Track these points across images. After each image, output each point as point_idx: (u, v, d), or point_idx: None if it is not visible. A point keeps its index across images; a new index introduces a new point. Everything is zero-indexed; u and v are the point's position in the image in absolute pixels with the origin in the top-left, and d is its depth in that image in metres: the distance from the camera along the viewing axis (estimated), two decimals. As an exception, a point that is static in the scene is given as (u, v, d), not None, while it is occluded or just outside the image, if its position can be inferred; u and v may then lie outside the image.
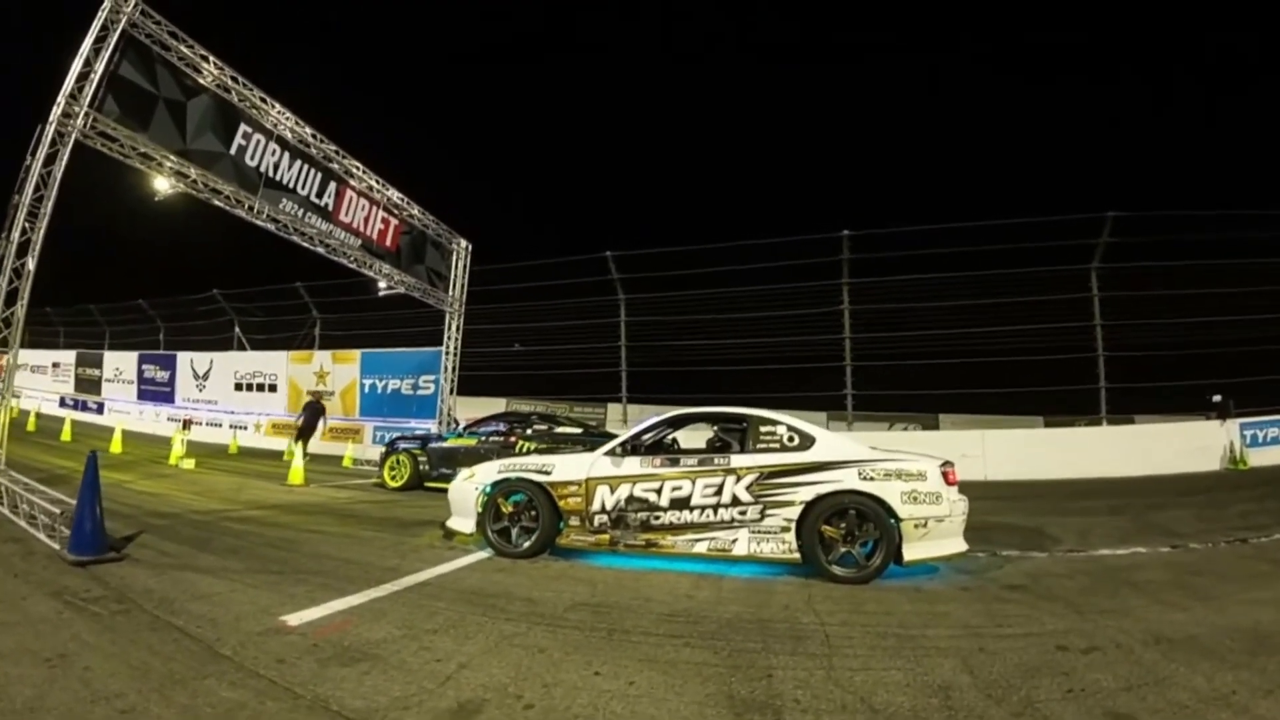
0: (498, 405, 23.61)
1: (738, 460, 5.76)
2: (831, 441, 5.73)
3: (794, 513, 5.47)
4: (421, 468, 11.50)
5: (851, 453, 5.59)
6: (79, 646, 3.59)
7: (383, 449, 12.44)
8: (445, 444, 11.70)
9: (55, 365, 31.53)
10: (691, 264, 17.64)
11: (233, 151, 10.62)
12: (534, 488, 6.14)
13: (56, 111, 8.45)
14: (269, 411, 22.37)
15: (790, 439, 5.76)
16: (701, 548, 5.70)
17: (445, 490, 10.90)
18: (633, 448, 6.20)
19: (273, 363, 23.00)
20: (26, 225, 8.47)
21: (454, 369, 16.82)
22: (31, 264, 8.67)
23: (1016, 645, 3.88)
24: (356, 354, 21.25)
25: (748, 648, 3.91)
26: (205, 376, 24.52)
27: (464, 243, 16.35)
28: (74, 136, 8.52)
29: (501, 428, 11.69)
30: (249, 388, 23.35)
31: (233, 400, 23.44)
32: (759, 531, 5.57)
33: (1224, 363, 16.60)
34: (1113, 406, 17.91)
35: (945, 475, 5.42)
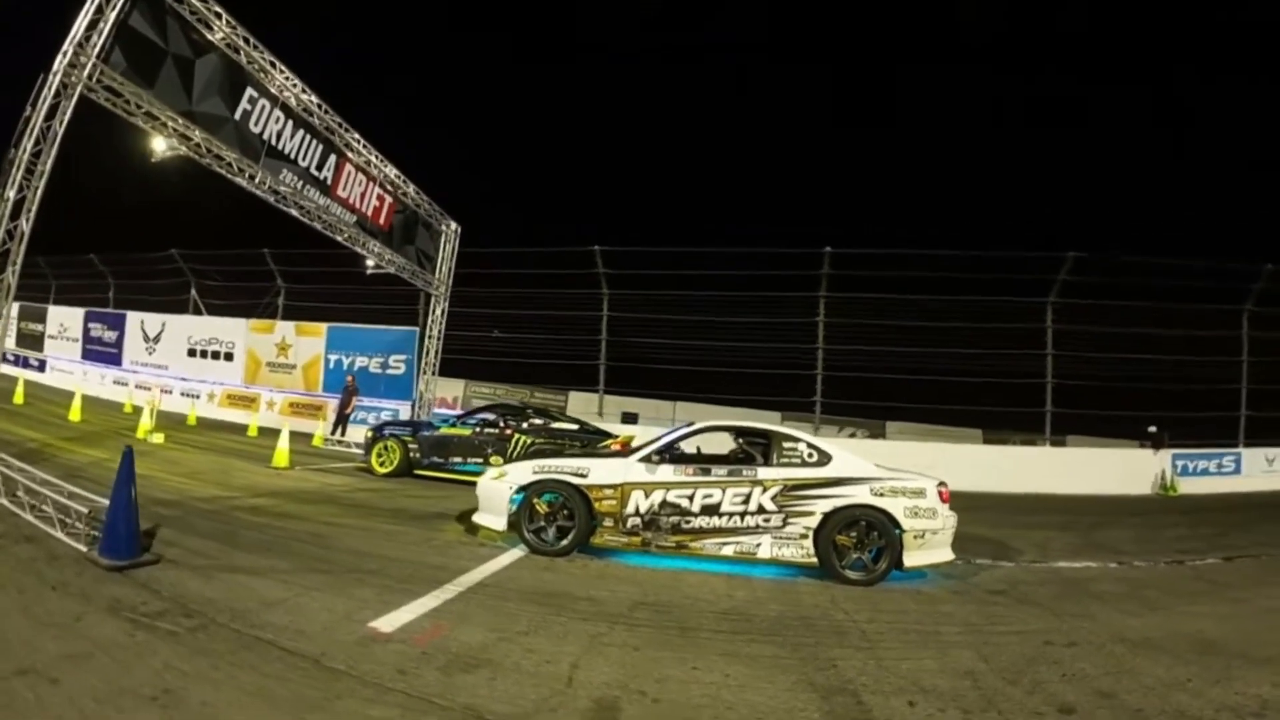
0: (457, 388, 23.29)
1: (764, 473, 6.22)
2: (846, 458, 6.27)
3: (813, 522, 6.05)
4: (412, 455, 11.15)
5: (863, 470, 6.18)
6: (178, 677, 3.21)
7: (367, 433, 11.98)
8: (438, 432, 11.33)
9: (-15, 316, 29.57)
10: (676, 265, 17.57)
11: (237, 116, 10.06)
12: (570, 489, 6.37)
13: (62, 61, 7.81)
14: (224, 381, 21.31)
15: (810, 455, 6.31)
16: (728, 551, 6.17)
17: (436, 478, 11.02)
18: (667, 456, 6.51)
19: (231, 330, 21.86)
20: (23, 182, 7.87)
21: (437, 352, 16.38)
22: (26, 226, 8.06)
23: (1013, 640, 4.54)
24: (323, 328, 20.42)
25: (804, 642, 4.37)
26: (156, 339, 23.23)
27: (454, 225, 15.90)
28: (79, 89, 7.94)
29: (493, 419, 11.38)
30: (204, 354, 22.15)
31: (185, 367, 22.20)
32: (780, 538, 6.12)
33: (1161, 398, 17.57)
34: (1052, 429, 18.74)
35: (940, 493, 6.06)
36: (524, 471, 6.59)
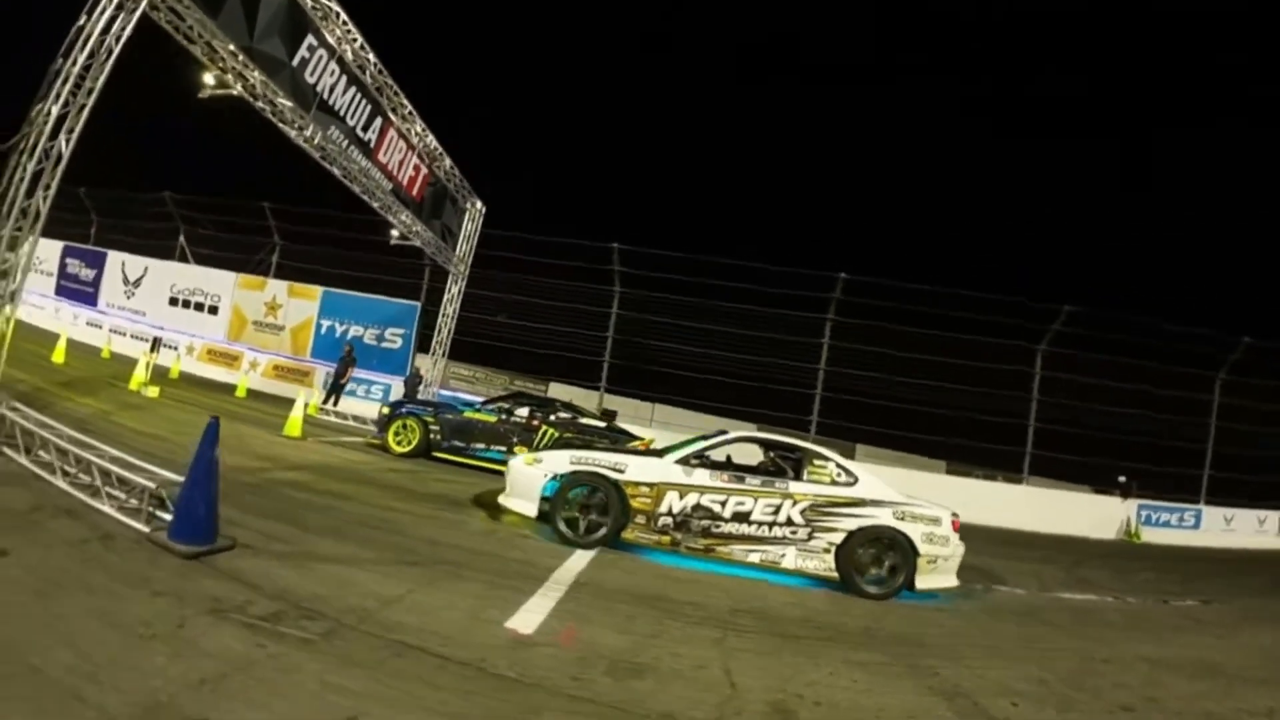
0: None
1: (795, 487, 6.33)
2: (871, 481, 6.42)
3: (837, 538, 6.19)
4: (432, 437, 10.41)
5: (887, 494, 6.33)
6: (351, 699, 2.65)
7: (383, 409, 11.20)
8: (461, 416, 10.62)
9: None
10: (691, 272, 17.14)
11: (295, 63, 9.23)
12: (608, 484, 6.30)
13: (129, -29, 7.02)
14: (205, 335, 20.00)
15: (839, 475, 6.45)
16: (754, 558, 6.25)
17: (455, 463, 10.24)
18: (703, 461, 6.55)
19: (217, 283, 20.51)
20: (68, 97, 6.98)
21: (449, 332, 15.59)
22: (65, 147, 7.16)
23: (1060, 656, 4.99)
24: (318, 291, 19.32)
25: (899, 651, 4.62)
26: (136, 284, 21.71)
27: (480, 204, 15.15)
28: (142, 5, 7.11)
29: (518, 408, 10.80)
30: (186, 305, 20.75)
31: (164, 315, 20.74)
32: (805, 550, 6.23)
33: (1131, 449, 18.00)
34: (1013, 467, 18.98)
35: (953, 523, 6.28)
36: (561, 460, 6.46)
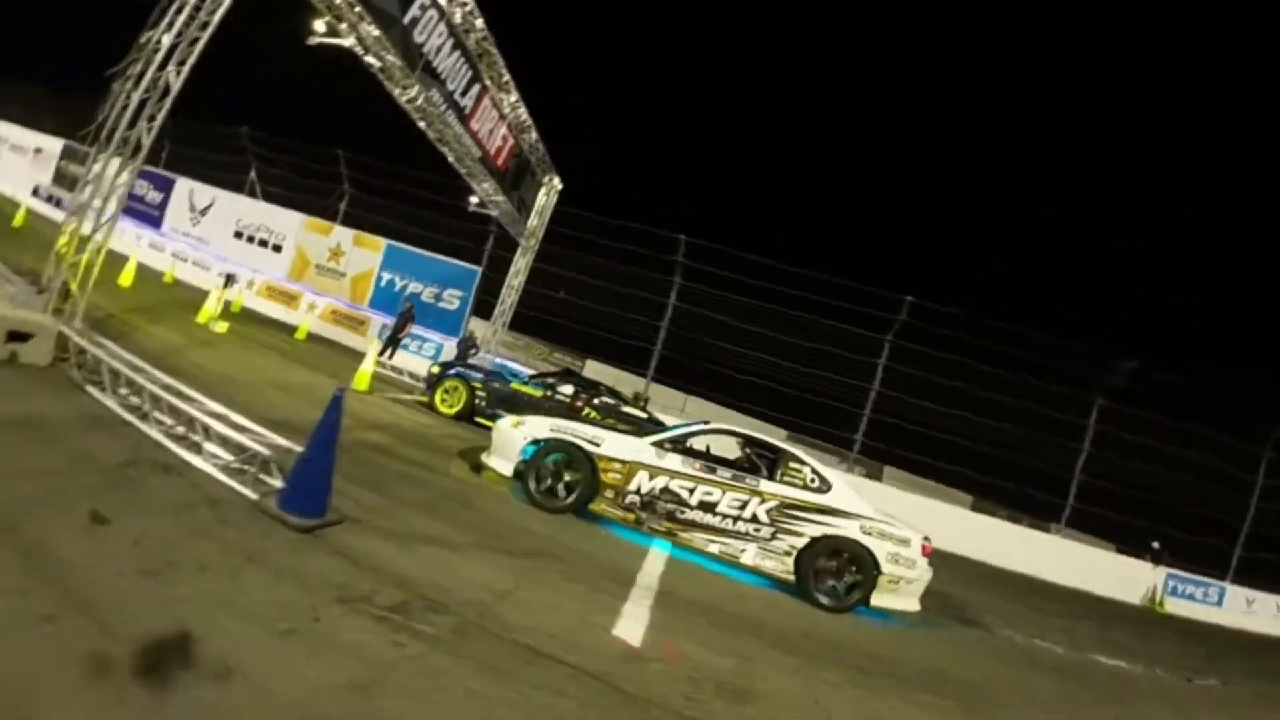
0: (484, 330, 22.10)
1: (766, 486, 6.28)
2: (844, 492, 6.32)
3: (800, 543, 6.13)
4: (477, 402, 10.38)
5: (858, 507, 6.23)
6: (493, 708, 2.58)
7: (434, 367, 11.14)
8: (509, 387, 10.57)
9: (38, 151, 27.51)
10: (754, 274, 16.67)
11: (406, 20, 9.00)
12: (581, 454, 6.39)
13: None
14: (267, 272, 20.04)
15: (812, 480, 6.34)
16: (714, 549, 6.24)
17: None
18: (678, 446, 6.59)
19: (284, 222, 20.49)
20: (182, 27, 6.80)
21: (513, 304, 15.42)
22: (175, 80, 6.99)
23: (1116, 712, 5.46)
24: (382, 243, 19.23)
25: (955, 694, 4.66)
26: (202, 212, 21.80)
27: (558, 181, 14.90)
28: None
29: (566, 387, 10.70)
30: (250, 240, 20.81)
31: (228, 247, 20.81)
32: (765, 549, 6.19)
33: (1170, 513, 17.41)
34: (1042, 514, 18.46)
35: (923, 547, 6.14)
36: (541, 427, 6.60)
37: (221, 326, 11.67)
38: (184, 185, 22.39)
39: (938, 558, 11.96)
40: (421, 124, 10.06)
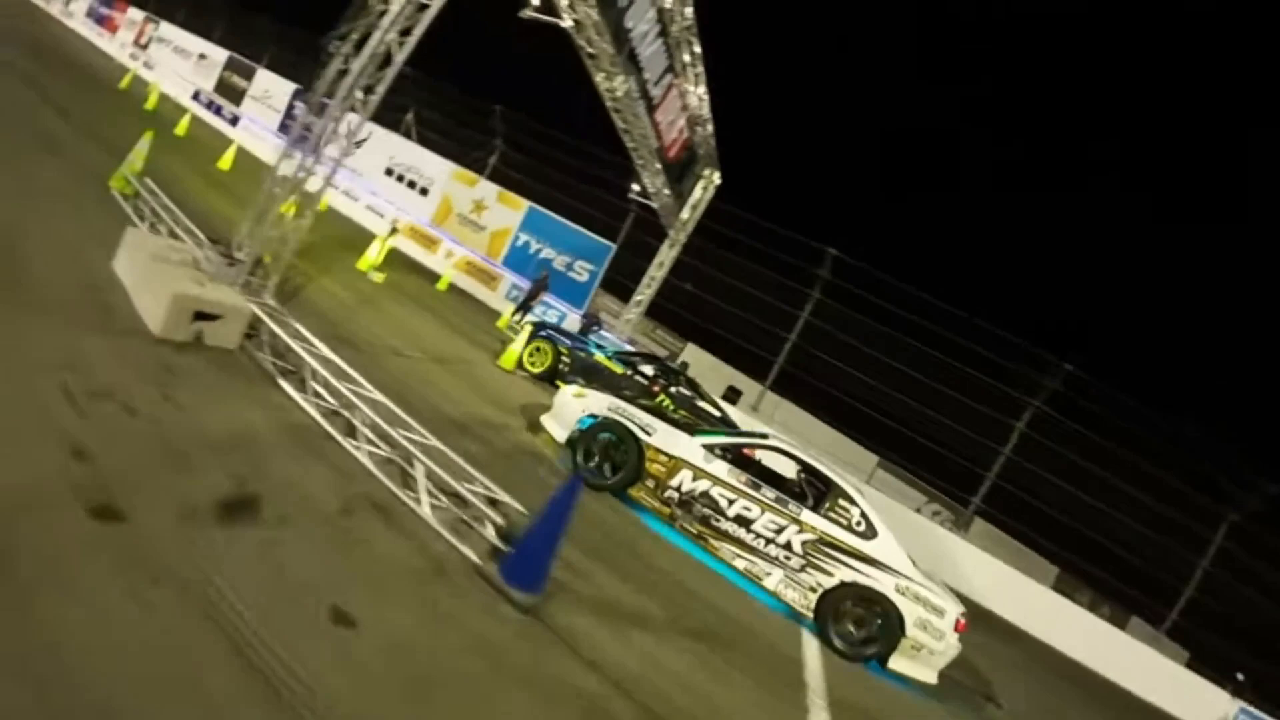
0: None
1: (808, 517, 6.07)
2: (889, 544, 5.99)
3: (828, 583, 5.92)
4: (561, 366, 10.37)
5: (899, 563, 5.89)
6: None
7: (527, 321, 11.30)
8: (593, 359, 10.48)
9: (201, 57, 28.83)
10: (899, 303, 15.67)
11: (620, 4, 8.60)
12: (632, 440, 6.38)
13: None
14: (412, 214, 20.36)
15: (858, 523, 6.06)
16: (740, 564, 6.13)
17: None
18: (729, 454, 6.43)
19: (433, 168, 20.73)
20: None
21: (652, 294, 15.13)
22: (397, 50, 6.67)
23: None
24: (524, 204, 19.21)
25: None
26: (357, 144, 22.25)
27: (718, 175, 14.38)
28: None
29: (648, 369, 10.67)
30: (399, 179, 21.19)
31: (378, 183, 21.31)
32: (791, 579, 6.01)
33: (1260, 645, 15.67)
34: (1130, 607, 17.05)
35: (957, 622, 5.77)
36: (601, 403, 6.65)
37: (379, 277, 11.82)
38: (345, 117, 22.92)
39: (997, 627, 11.12)
40: (614, 113, 9.70)
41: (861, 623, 5.82)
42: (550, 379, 10.32)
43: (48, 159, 7.54)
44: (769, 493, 6.17)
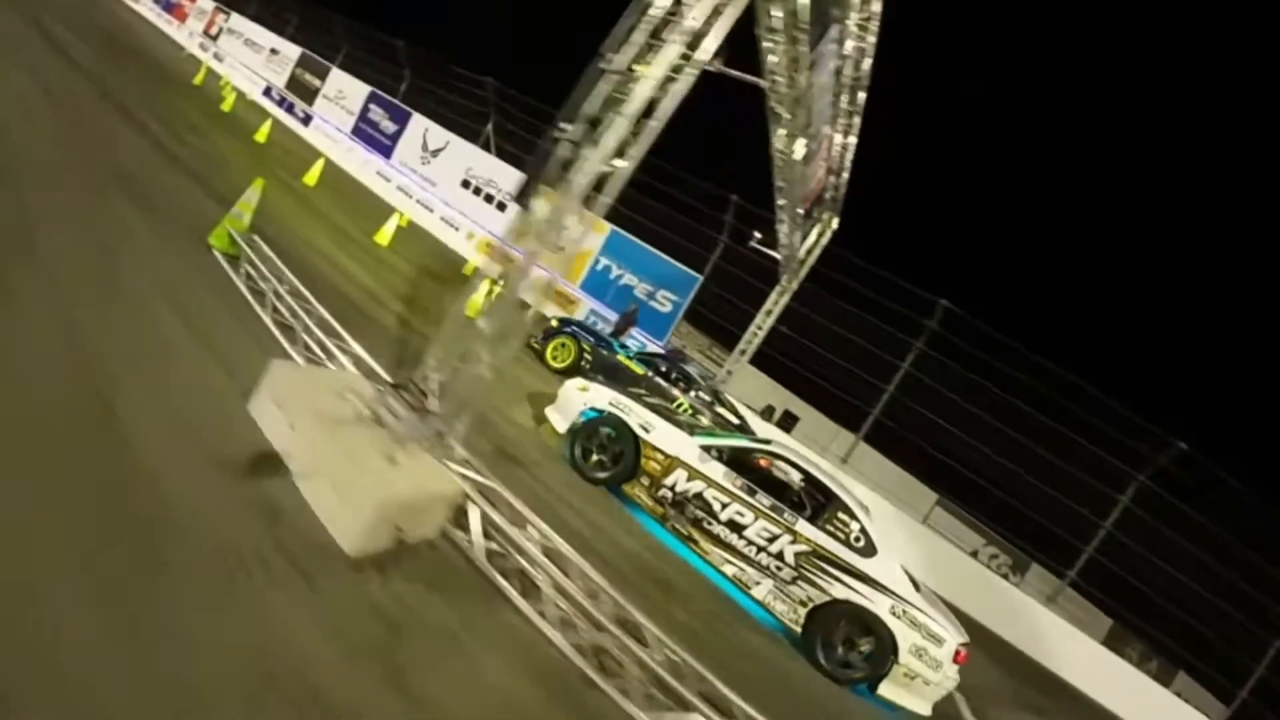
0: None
1: (803, 528, 5.89)
2: (888, 563, 5.76)
3: (819, 598, 5.72)
4: (583, 363, 10.57)
5: (897, 584, 5.66)
6: None
7: (553, 320, 11.50)
8: (615, 358, 10.68)
9: (273, 52, 28.28)
10: (1015, 363, 14.64)
11: (813, 55, 7.88)
12: (630, 436, 6.34)
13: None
14: (489, 228, 19.73)
15: (857, 539, 5.85)
16: (729, 570, 5.99)
17: None
18: (725, 456, 6.26)
19: (513, 181, 20.16)
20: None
21: (759, 341, 14.38)
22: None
23: None
24: (606, 227, 18.46)
25: None
26: (434, 153, 21.65)
27: (836, 221, 13.66)
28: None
29: (669, 372, 10.82)
30: (477, 192, 20.56)
31: (453, 194, 20.67)
32: (781, 592, 5.84)
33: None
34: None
35: (956, 653, 5.49)
36: (602, 397, 6.64)
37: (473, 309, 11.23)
38: (419, 122, 22.29)
39: (1027, 667, 11.10)
40: (777, 170, 9.00)
41: (851, 644, 5.62)
42: (571, 375, 9.97)
43: (130, 208, 6.17)
44: (765, 499, 6.02)
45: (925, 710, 5.63)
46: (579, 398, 6.74)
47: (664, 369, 10.80)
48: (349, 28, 26.17)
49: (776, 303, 14.31)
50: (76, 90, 9.43)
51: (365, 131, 23.47)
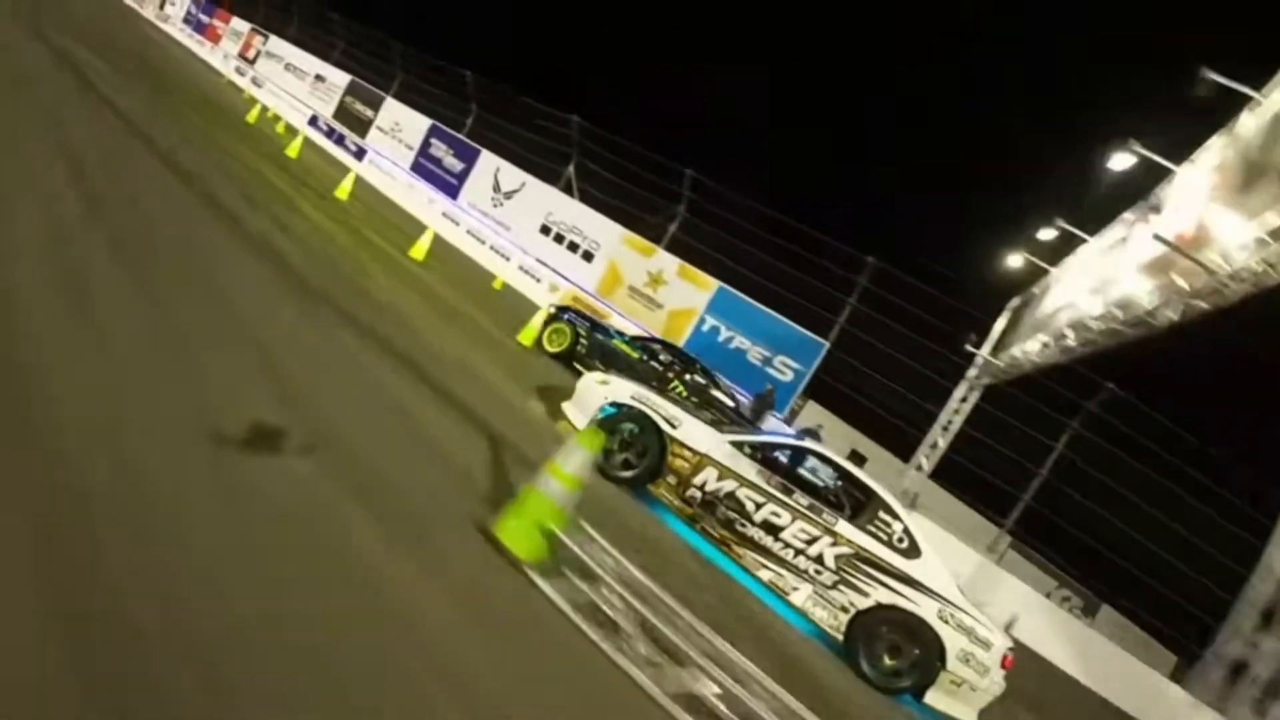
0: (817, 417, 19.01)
1: (843, 528, 5.46)
2: (933, 565, 5.34)
3: (862, 604, 5.31)
4: (579, 348, 10.25)
5: (943, 587, 5.24)
6: None
7: (551, 307, 11.23)
8: (611, 343, 10.42)
9: (318, 78, 26.27)
10: (1174, 449, 13.27)
11: None
12: (654, 431, 5.83)
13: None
14: (572, 279, 17.65)
15: (900, 540, 5.43)
16: (765, 575, 5.55)
17: None
18: (759, 454, 5.84)
19: (600, 229, 18.02)
20: None
21: (945, 447, 12.29)
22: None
23: None
24: (713, 284, 16.49)
25: None
26: (508, 195, 19.64)
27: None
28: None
29: (664, 355, 10.78)
30: (558, 239, 18.51)
31: (531, 240, 18.57)
32: (821, 597, 5.41)
33: None
34: None
35: (1004, 658, 5.10)
36: (624, 390, 6.18)
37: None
38: (490, 160, 20.31)
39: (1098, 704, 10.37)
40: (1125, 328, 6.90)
41: (897, 651, 5.23)
42: (567, 359, 10.22)
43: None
44: (802, 499, 5.61)
45: (971, 718, 5.18)
46: (599, 391, 6.25)
47: (659, 355, 10.76)
48: (405, 54, 24.09)
49: (961, 399, 12.16)
50: (124, 152, 7.20)
51: (427, 169, 21.49)
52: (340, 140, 23.23)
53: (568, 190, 19.37)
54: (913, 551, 5.38)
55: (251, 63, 28.17)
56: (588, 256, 18.08)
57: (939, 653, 5.07)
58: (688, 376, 10.48)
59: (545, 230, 18.77)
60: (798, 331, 15.68)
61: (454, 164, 21.01)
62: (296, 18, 28.37)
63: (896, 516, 5.50)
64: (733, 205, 16.65)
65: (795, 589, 5.46)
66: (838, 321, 15.79)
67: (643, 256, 17.43)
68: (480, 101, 21.73)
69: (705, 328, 16.38)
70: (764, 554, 5.54)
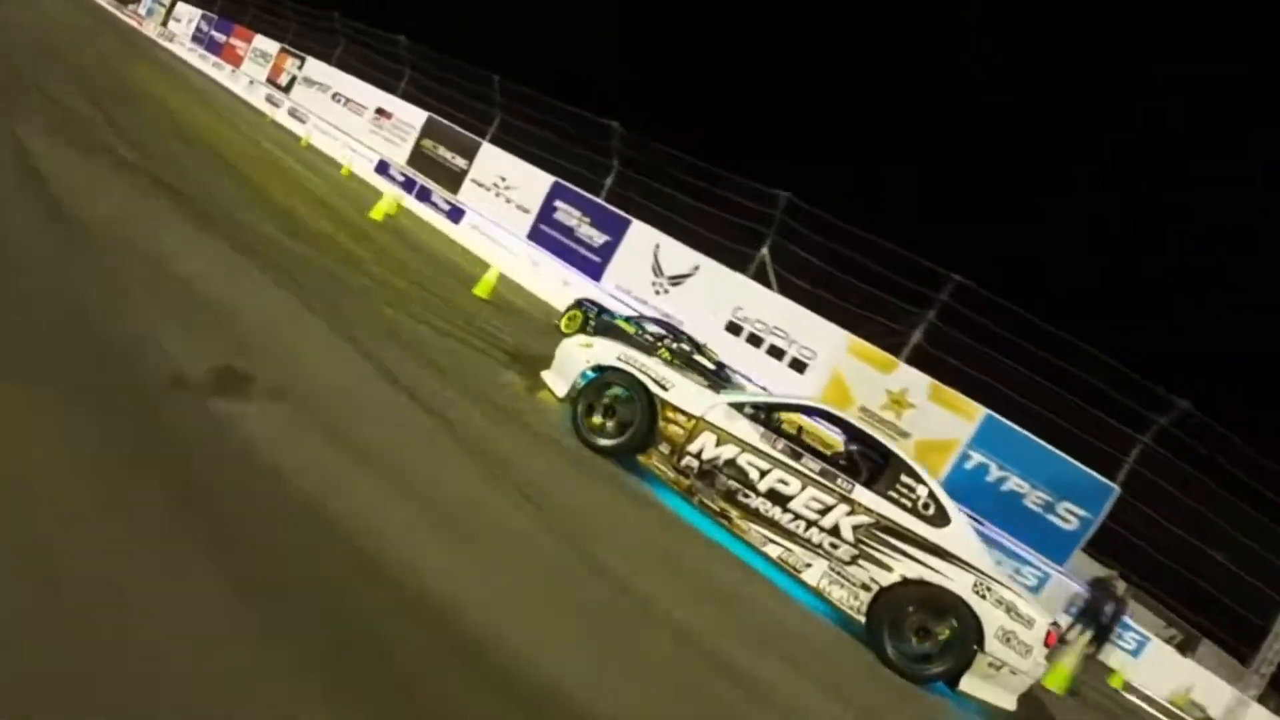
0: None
1: (861, 494, 4.83)
2: (965, 533, 4.76)
3: (886, 579, 4.65)
4: (587, 328, 11.19)
5: (977, 557, 4.66)
6: None
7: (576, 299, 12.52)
8: (613, 322, 11.45)
9: (381, 113, 21.74)
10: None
11: None
12: (644, 395, 5.13)
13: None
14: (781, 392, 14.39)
15: (926, 506, 4.78)
16: (772, 551, 4.91)
17: None
18: (761, 415, 5.16)
19: (813, 332, 14.54)
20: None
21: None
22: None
23: None
24: (979, 411, 13.46)
25: None
26: (673, 280, 16.07)
27: None
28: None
29: (656, 330, 11.52)
30: (754, 342, 15.08)
31: (715, 339, 15.09)
32: (838, 573, 4.77)
33: None
34: None
35: (1048, 635, 4.46)
36: (609, 352, 5.48)
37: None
38: (645, 234, 16.63)
39: None
40: None
41: (927, 632, 4.51)
42: None
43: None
44: (812, 464, 4.90)
45: (1010, 704, 4.50)
46: (580, 355, 5.52)
47: (648, 328, 11.44)
48: (519, 95, 19.70)
49: None
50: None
51: (553, 238, 17.67)
52: (425, 196, 19.06)
53: (761, 279, 15.84)
54: (940, 518, 4.77)
55: (285, 90, 23.28)
56: (798, 365, 14.71)
57: (976, 633, 4.43)
58: (674, 345, 10.99)
59: (734, 329, 15.32)
60: (1082, 471, 12.91)
61: (589, 234, 17.26)
62: (343, 38, 23.42)
63: (920, 480, 4.92)
64: (998, 311, 13.69)
65: (808, 566, 4.87)
66: (1127, 461, 13.20)
67: (879, 371, 14.24)
68: (637, 162, 17.77)
69: (969, 464, 13.43)
70: (771, 527, 4.96)
